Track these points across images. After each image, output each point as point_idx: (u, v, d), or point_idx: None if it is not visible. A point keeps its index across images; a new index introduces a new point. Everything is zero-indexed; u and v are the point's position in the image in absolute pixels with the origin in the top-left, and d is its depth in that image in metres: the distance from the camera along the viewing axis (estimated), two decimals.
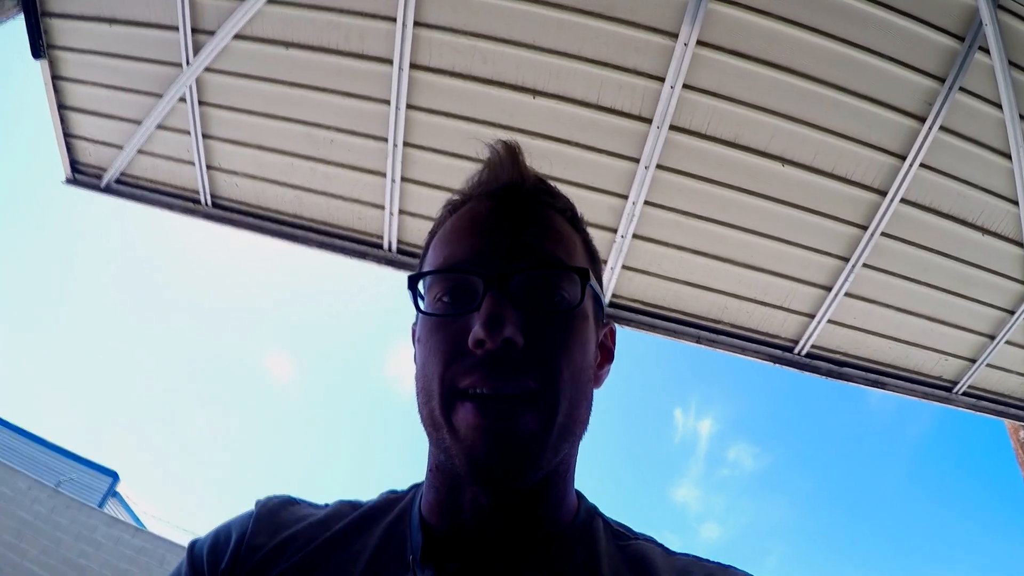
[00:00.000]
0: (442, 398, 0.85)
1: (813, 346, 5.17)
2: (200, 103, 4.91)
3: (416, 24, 4.30)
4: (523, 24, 4.23)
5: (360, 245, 5.22)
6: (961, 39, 4.03)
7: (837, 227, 4.67)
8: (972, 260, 4.79)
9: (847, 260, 4.78)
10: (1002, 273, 4.85)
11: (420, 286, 0.95)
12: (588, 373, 0.91)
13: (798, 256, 4.82)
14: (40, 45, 4.87)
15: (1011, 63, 4.06)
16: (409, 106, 4.59)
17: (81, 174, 5.50)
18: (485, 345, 0.81)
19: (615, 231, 4.80)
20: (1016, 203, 4.56)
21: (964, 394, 5.40)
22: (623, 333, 5.18)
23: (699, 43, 4.12)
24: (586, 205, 4.59)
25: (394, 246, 5.14)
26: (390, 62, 4.44)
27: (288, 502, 1.08)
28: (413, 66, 4.45)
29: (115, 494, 23.53)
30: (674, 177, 4.58)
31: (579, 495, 1.02)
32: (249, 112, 4.89)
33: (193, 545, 1.02)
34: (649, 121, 4.39)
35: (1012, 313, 5.04)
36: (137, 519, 23.59)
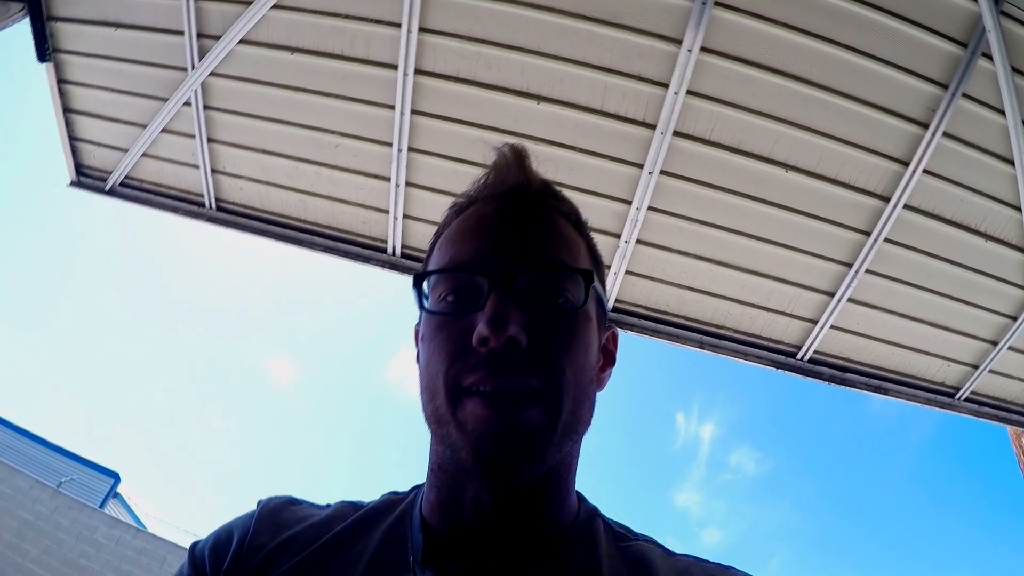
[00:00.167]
0: (447, 395, 0.85)
1: (816, 351, 5.17)
2: (205, 107, 4.91)
3: (421, 30, 4.30)
4: (527, 30, 4.24)
5: (364, 249, 5.23)
6: (964, 45, 4.03)
7: (840, 233, 4.67)
8: (975, 266, 4.79)
9: (850, 266, 4.78)
10: (1005, 279, 4.85)
11: (425, 286, 0.95)
12: (590, 374, 0.92)
13: (801, 262, 4.82)
14: (46, 49, 4.88)
15: (1014, 69, 4.06)
16: (414, 111, 4.59)
17: (86, 177, 5.51)
18: (489, 343, 0.82)
19: (619, 236, 4.80)
20: (1019, 209, 4.56)
21: (966, 400, 5.39)
22: (626, 338, 5.18)
23: (703, 49, 4.12)
24: (590, 210, 4.57)
25: (398, 250, 5.15)
26: (395, 67, 4.45)
27: (290, 502, 1.09)
28: (418, 71, 4.45)
29: (116, 495, 23.53)
30: (678, 183, 4.58)
31: (580, 496, 1.02)
32: (254, 116, 4.90)
33: (195, 547, 1.03)
34: (653, 127, 4.40)
35: (1015, 319, 5.03)
36: (138, 520, 23.58)
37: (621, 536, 0.99)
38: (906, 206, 4.52)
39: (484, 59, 4.36)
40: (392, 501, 1.06)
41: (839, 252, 4.76)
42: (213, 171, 5.19)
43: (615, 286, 4.99)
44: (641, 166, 4.54)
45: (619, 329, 4.97)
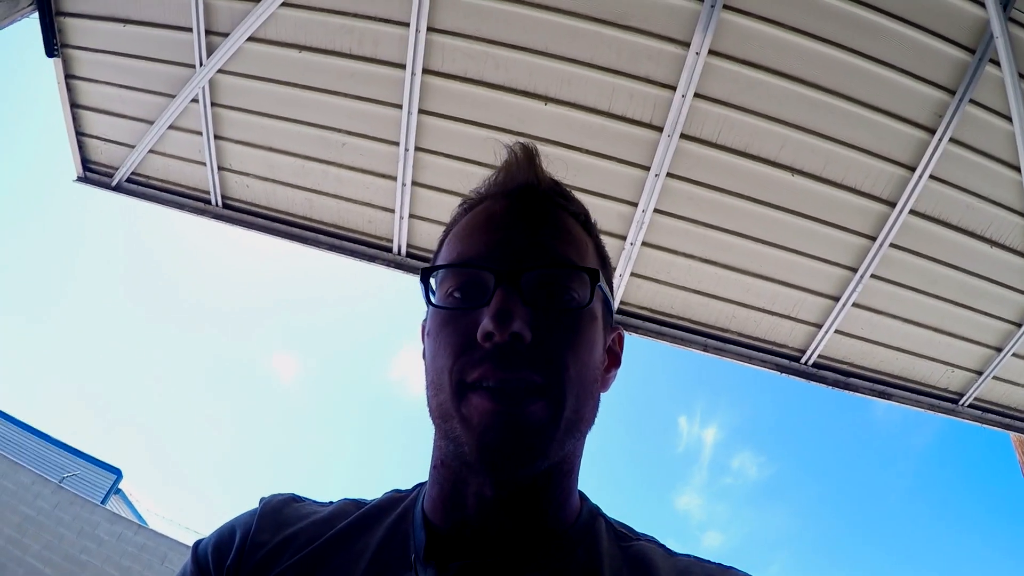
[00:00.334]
0: (452, 390, 0.85)
1: (820, 356, 5.17)
2: (212, 104, 4.93)
3: (429, 29, 4.31)
4: (536, 31, 4.24)
5: (370, 248, 5.24)
6: (972, 51, 4.04)
7: (846, 237, 4.68)
8: (980, 272, 4.79)
9: (855, 271, 4.78)
10: (1010, 286, 4.84)
11: (433, 281, 0.96)
12: (594, 373, 0.92)
13: (806, 266, 4.82)
14: (54, 44, 4.89)
15: (1021, 76, 4.06)
16: (421, 111, 4.60)
17: (92, 172, 5.53)
18: (493, 338, 0.82)
19: (624, 238, 4.81)
20: None
21: (970, 406, 5.39)
22: (630, 340, 5.16)
23: (711, 52, 4.13)
24: (596, 212, 4.55)
25: (403, 250, 5.15)
26: (403, 67, 4.46)
27: (292, 500, 1.08)
28: (426, 71, 4.46)
29: (118, 491, 23.54)
30: (684, 185, 4.58)
31: (582, 496, 1.02)
32: (261, 114, 4.91)
33: (197, 545, 1.03)
34: (660, 129, 4.40)
35: (1019, 326, 5.03)
36: (140, 516, 23.56)
37: (623, 536, 0.99)
38: (912, 211, 4.52)
39: (492, 59, 4.37)
40: (394, 499, 1.06)
41: (844, 256, 4.76)
42: (220, 168, 5.21)
43: (620, 288, 5.00)
44: (648, 168, 4.54)
45: (625, 331, 5.00)
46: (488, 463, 0.82)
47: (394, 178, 4.91)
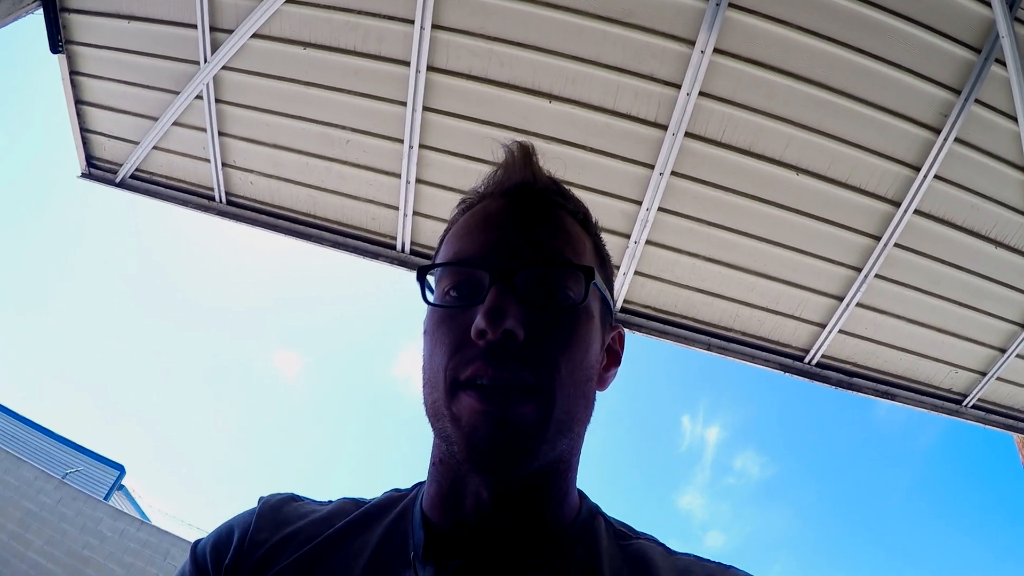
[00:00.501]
0: (445, 388, 0.85)
1: (824, 356, 5.16)
2: (217, 101, 4.93)
3: (434, 27, 4.31)
4: (540, 28, 4.24)
5: (373, 245, 5.24)
6: (978, 51, 4.03)
7: (850, 237, 4.67)
8: (984, 273, 4.78)
9: (859, 270, 4.78)
10: (1014, 286, 4.84)
11: (431, 280, 0.97)
12: (588, 372, 0.91)
13: (810, 265, 4.81)
14: (58, 40, 4.90)
15: None
16: (425, 108, 4.60)
17: (96, 169, 5.54)
18: (486, 336, 0.82)
19: (628, 237, 4.80)
20: None
21: (974, 407, 5.38)
22: (634, 338, 5.18)
23: (716, 51, 4.12)
24: (600, 210, 4.58)
25: (407, 247, 5.16)
26: (407, 64, 4.46)
27: (291, 499, 1.09)
28: (430, 68, 4.46)
29: (121, 487, 23.60)
30: (688, 184, 4.58)
31: (581, 494, 1.02)
32: (266, 111, 4.91)
33: (196, 545, 1.03)
34: (665, 128, 4.40)
35: (1023, 326, 5.03)
36: (142, 513, 23.61)
37: (622, 534, 0.99)
38: (916, 211, 4.52)
39: (496, 57, 4.37)
40: (394, 498, 1.06)
41: (849, 256, 4.76)
42: (224, 165, 5.21)
43: (624, 286, 4.99)
44: (652, 166, 4.54)
45: (627, 330, 4.98)
46: (477, 463, 0.82)
47: (398, 175, 4.91)
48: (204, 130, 5.06)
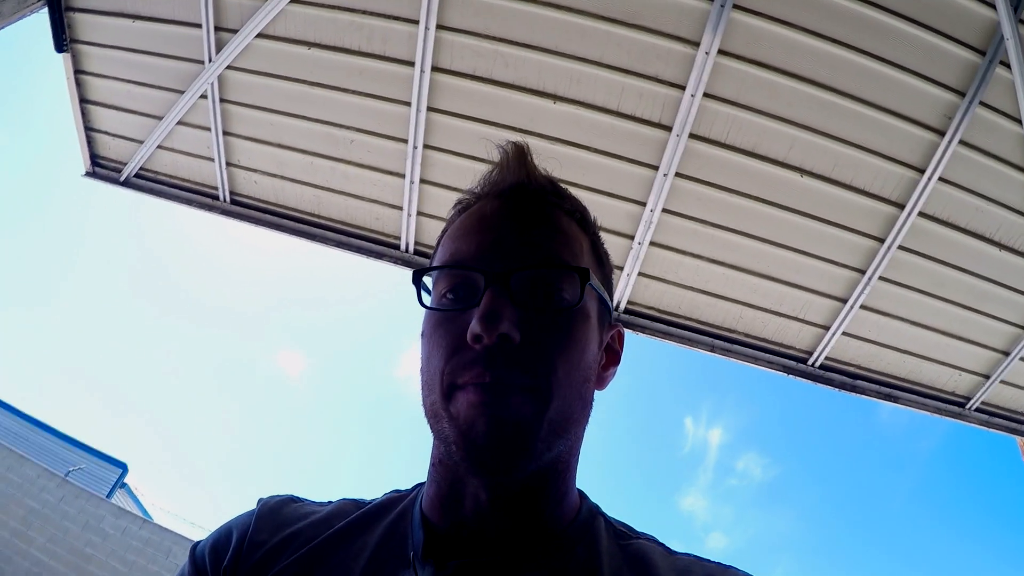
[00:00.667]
0: (443, 391, 0.86)
1: (827, 358, 5.16)
2: (221, 100, 4.94)
3: (438, 27, 4.31)
4: (545, 29, 4.24)
5: (377, 245, 5.25)
6: (982, 53, 4.02)
7: (854, 239, 4.67)
8: (988, 275, 4.77)
9: (863, 272, 4.77)
10: (1018, 289, 4.83)
11: (428, 282, 0.96)
12: (585, 373, 0.91)
13: (814, 267, 4.81)
14: (63, 39, 4.91)
15: None
16: (430, 108, 4.60)
17: (101, 167, 5.55)
18: (482, 340, 0.82)
19: (632, 238, 4.80)
20: None
21: (977, 410, 5.37)
22: (637, 339, 5.19)
23: (720, 52, 4.12)
24: (604, 211, 4.60)
25: (411, 247, 5.16)
26: (412, 64, 4.46)
27: (290, 500, 1.09)
28: (435, 69, 4.46)
29: (123, 485, 23.62)
30: (692, 185, 4.58)
31: (581, 494, 1.02)
32: (270, 110, 4.92)
33: (195, 547, 1.03)
34: (669, 129, 4.40)
35: None
36: (145, 511, 23.64)
37: (622, 534, 0.99)
38: (921, 213, 4.51)
39: (501, 57, 4.37)
40: (394, 498, 1.06)
41: (852, 258, 4.76)
42: (228, 164, 5.22)
43: (627, 287, 4.99)
44: (656, 168, 4.54)
45: (630, 331, 4.99)
46: (475, 463, 0.83)
47: (402, 175, 4.91)
48: (208, 129, 5.07)
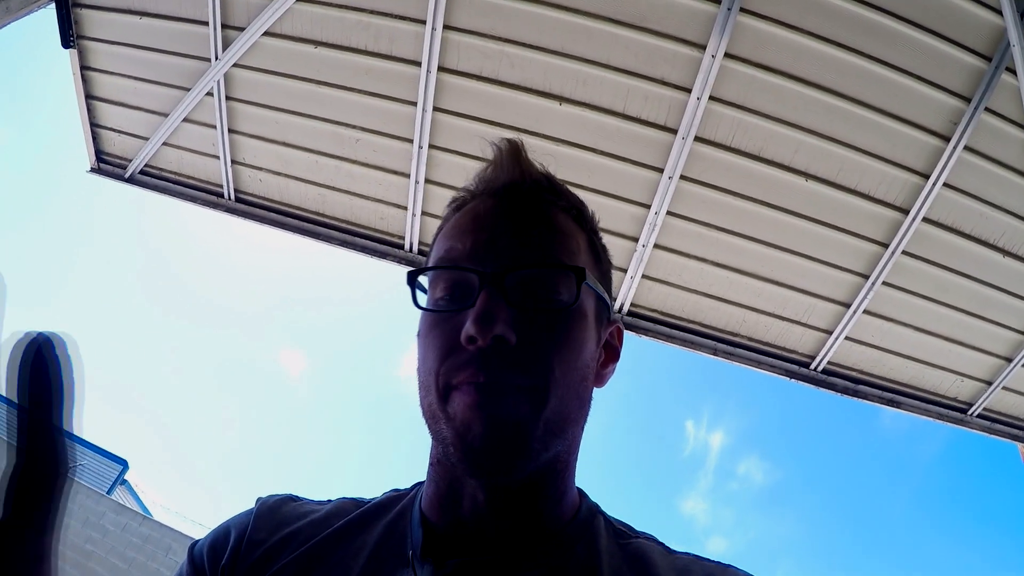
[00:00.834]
0: (439, 392, 0.85)
1: (830, 362, 5.16)
2: (227, 98, 4.95)
3: (445, 27, 4.32)
4: (552, 31, 4.24)
5: (382, 245, 5.25)
6: (988, 59, 4.02)
7: (858, 244, 4.66)
8: (992, 281, 4.77)
9: (867, 277, 4.77)
10: (1021, 296, 4.83)
11: (424, 281, 0.95)
12: (582, 372, 0.91)
13: (818, 272, 4.81)
14: (70, 35, 4.92)
15: None
16: (435, 108, 4.61)
17: (106, 164, 5.55)
18: (476, 342, 0.81)
19: (636, 240, 4.80)
20: None
21: (979, 416, 5.36)
22: (640, 342, 5.20)
23: (727, 55, 4.12)
24: (608, 213, 4.60)
25: (415, 247, 5.16)
26: (418, 64, 4.47)
27: (289, 499, 1.08)
28: (441, 69, 4.47)
29: (124, 482, 23.58)
30: (697, 188, 4.58)
31: (581, 493, 1.02)
32: (276, 109, 4.93)
33: (193, 546, 1.03)
34: (674, 132, 4.40)
35: None
36: (145, 508, 23.63)
37: (622, 533, 0.98)
38: (925, 219, 4.51)
39: (507, 58, 4.37)
40: (393, 498, 1.06)
41: (856, 263, 4.76)
42: (233, 162, 5.22)
43: (631, 290, 4.99)
44: (661, 170, 4.54)
45: (634, 333, 5.00)
46: (472, 464, 0.82)
47: (407, 175, 4.92)
48: (214, 127, 5.08)
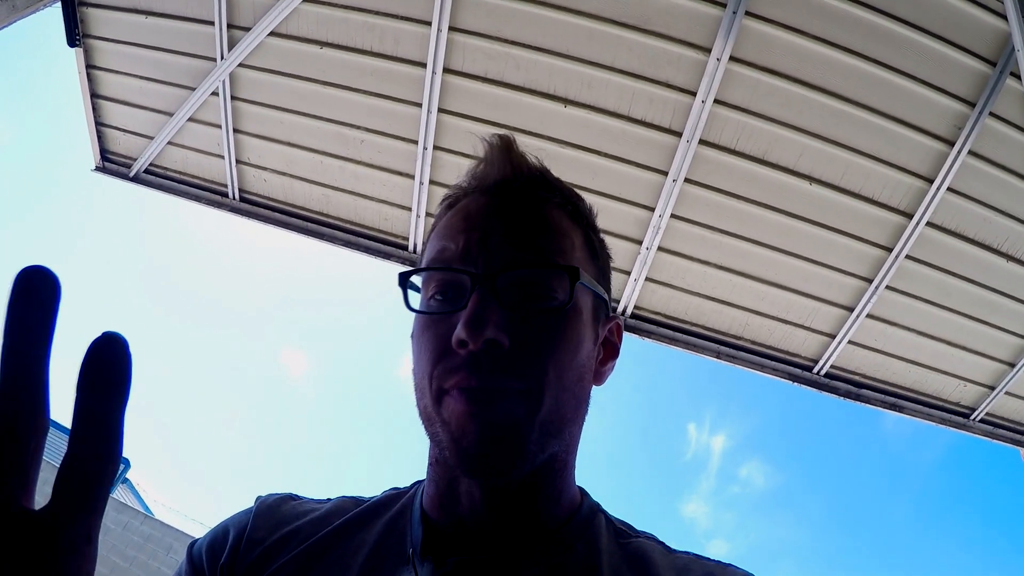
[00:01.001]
0: (433, 395, 0.85)
1: (833, 366, 5.16)
2: (232, 98, 4.95)
3: (451, 29, 4.32)
4: (557, 33, 4.25)
5: (385, 246, 5.26)
6: (993, 64, 4.02)
7: (862, 248, 4.66)
8: (995, 286, 4.77)
9: (870, 281, 4.77)
10: None
11: (417, 281, 0.95)
12: (579, 372, 0.90)
13: (822, 275, 4.81)
14: (76, 33, 4.92)
15: None
16: (440, 110, 4.61)
17: (111, 162, 5.56)
18: (467, 346, 0.81)
19: (640, 243, 4.80)
20: None
21: (982, 421, 5.36)
22: (643, 345, 5.20)
23: (732, 59, 4.13)
24: (612, 215, 4.61)
25: (419, 248, 5.14)
26: (423, 65, 4.47)
27: (289, 498, 1.08)
28: (446, 70, 4.47)
29: (125, 481, 23.59)
30: (701, 191, 4.58)
31: (582, 492, 1.01)
32: (281, 109, 4.93)
33: (192, 546, 1.03)
34: (679, 135, 4.40)
35: None
36: (146, 506, 23.62)
37: (622, 532, 0.98)
38: (929, 223, 4.51)
39: (512, 60, 4.38)
40: (393, 496, 1.06)
41: (860, 267, 4.75)
42: (238, 162, 5.23)
43: (634, 293, 4.99)
44: (665, 173, 4.54)
45: (637, 336, 5.01)
46: (467, 469, 0.82)
47: (412, 176, 4.92)
48: (219, 127, 5.08)
